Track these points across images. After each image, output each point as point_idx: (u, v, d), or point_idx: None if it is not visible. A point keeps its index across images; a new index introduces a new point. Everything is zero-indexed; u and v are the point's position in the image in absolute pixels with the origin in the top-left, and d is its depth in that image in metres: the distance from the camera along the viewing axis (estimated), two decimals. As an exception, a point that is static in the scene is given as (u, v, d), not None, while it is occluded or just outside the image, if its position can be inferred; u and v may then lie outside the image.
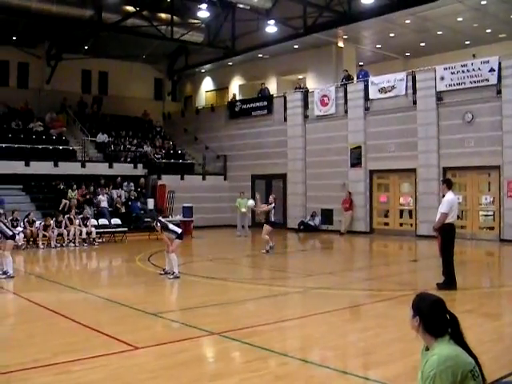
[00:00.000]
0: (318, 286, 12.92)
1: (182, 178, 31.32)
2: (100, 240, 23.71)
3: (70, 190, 26.03)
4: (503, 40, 29.17)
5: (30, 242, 22.12)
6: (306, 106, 29.55)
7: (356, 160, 27.12)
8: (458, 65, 23.70)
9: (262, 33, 30.12)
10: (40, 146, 28.56)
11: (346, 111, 27.73)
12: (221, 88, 39.01)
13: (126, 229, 24.86)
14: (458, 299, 11.11)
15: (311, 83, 32.26)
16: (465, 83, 23.34)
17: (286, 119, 30.42)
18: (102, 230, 24.11)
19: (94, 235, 23.08)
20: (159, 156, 32.45)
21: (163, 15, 30.68)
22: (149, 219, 21.76)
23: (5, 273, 14.21)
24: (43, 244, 21.86)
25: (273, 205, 19.96)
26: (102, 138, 31.49)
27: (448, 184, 12.45)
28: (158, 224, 14.58)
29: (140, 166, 30.79)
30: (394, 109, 25.77)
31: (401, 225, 26.71)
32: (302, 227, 28.56)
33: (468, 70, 23.23)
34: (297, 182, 29.63)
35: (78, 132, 31.94)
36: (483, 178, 23.97)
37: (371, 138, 26.69)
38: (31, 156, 27.54)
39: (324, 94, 28.51)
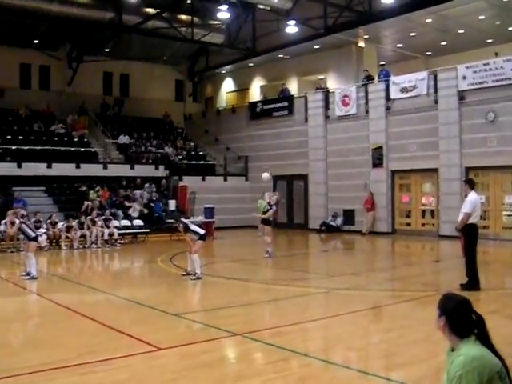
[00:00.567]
0: (340, 286, 12.86)
1: (203, 179, 31.40)
2: (122, 241, 23.81)
3: (91, 192, 26.19)
4: (526, 38, 28.89)
5: (53, 244, 22.29)
6: (326, 106, 29.46)
7: (377, 160, 26.98)
8: (480, 63, 23.48)
9: (282, 33, 30.06)
10: (62, 148, 28.79)
11: (367, 111, 27.60)
12: (241, 89, 39.04)
13: (147, 230, 24.95)
14: (481, 300, 11.00)
15: (332, 83, 32.15)
16: (487, 82, 23.11)
17: (306, 120, 30.35)
18: (124, 232, 24.22)
19: (115, 236, 23.21)
20: (180, 157, 32.56)
21: (183, 17, 30.78)
22: (172, 220, 21.80)
23: (28, 274, 14.34)
24: (66, 245, 22.01)
25: (274, 208, 19.59)
26: (123, 139, 31.66)
27: (470, 184, 12.34)
28: (181, 225, 14.61)
29: (161, 167, 30.90)
30: (415, 108, 25.60)
31: (423, 225, 26.52)
32: (323, 228, 28.46)
33: (490, 69, 23.00)
34: (318, 183, 29.55)
35: (100, 134, 32.17)
36: (506, 178, 23.69)
37: (393, 138, 26.53)
38: (53, 158, 27.77)
39: (345, 94, 28.42)
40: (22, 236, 17.55)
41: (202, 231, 14.50)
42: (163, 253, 19.95)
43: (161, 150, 32.28)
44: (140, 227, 25.14)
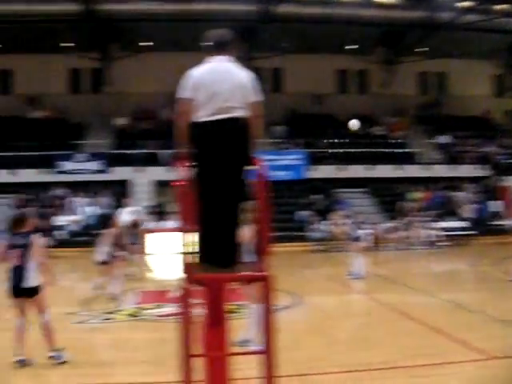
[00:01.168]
0: None
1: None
2: (445, 243, 23.13)
3: (411, 193, 26.02)
4: None
5: (375, 244, 22.58)
6: None
7: None
8: None
9: None
10: (381, 150, 29.11)
11: None
12: None
13: (473, 232, 23.92)
14: None
15: None
16: None
17: None
18: (448, 233, 23.53)
19: (438, 238, 22.66)
20: (504, 156, 30.54)
21: (498, 7, 28.93)
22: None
23: (352, 273, 14.64)
24: (388, 246, 22.14)
25: None
26: (442, 139, 30.93)
27: None
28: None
29: (483, 167, 29.36)
30: None
31: None
32: None
33: None
34: None
35: (418, 134, 31.80)
36: None
37: None
38: (373, 160, 28.23)
39: None
40: (347, 236, 18.01)
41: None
42: (489, 256, 18.91)
43: (483, 149, 30.67)
44: (464, 229, 24.18)
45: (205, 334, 4.47)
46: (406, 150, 30.03)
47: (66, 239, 23.44)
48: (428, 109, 34.54)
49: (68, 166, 26.60)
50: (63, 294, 12.93)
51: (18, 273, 7.10)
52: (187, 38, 26.82)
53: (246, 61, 27.78)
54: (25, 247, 7.17)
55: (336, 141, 29.67)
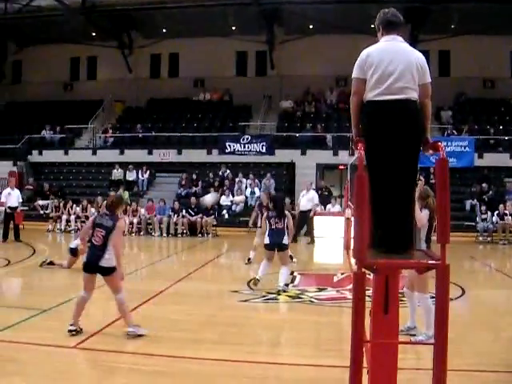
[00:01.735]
0: None
1: None
2: None
3: None
4: None
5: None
6: None
7: None
8: None
9: None
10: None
11: None
12: None
13: None
14: None
15: None
16: None
17: None
18: None
19: None
20: None
21: None
22: None
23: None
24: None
25: None
26: None
27: None
28: None
29: None
30: None
31: None
32: None
33: None
34: None
35: None
36: None
37: None
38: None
39: None
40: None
41: None
42: None
43: None
44: None
45: (375, 320, 4.39)
46: None
47: (230, 219, 24.19)
48: None
49: (234, 147, 27.33)
50: (228, 272, 13.38)
51: (97, 251, 7.38)
52: (353, 21, 26.61)
53: (412, 42, 27.04)
54: (108, 229, 7.41)
55: (511, 128, 28.09)
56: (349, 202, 14.96)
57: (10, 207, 19.44)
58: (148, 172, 27.26)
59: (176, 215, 22.83)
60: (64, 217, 23.56)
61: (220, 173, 26.29)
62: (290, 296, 10.32)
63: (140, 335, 7.36)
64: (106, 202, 8.38)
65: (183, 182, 26.13)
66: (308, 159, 26.80)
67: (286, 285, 10.98)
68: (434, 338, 4.02)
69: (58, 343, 7.01)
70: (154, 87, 32.16)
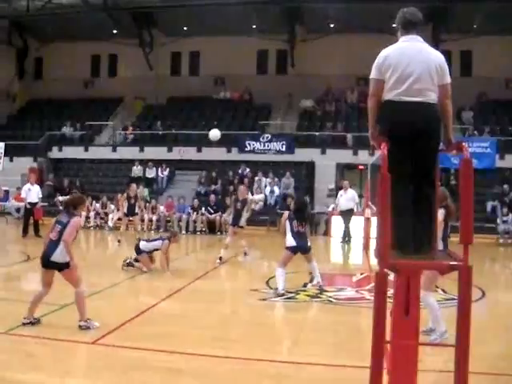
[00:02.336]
0: None
1: None
2: None
3: None
4: None
5: None
6: None
7: None
8: None
9: None
10: None
11: None
12: None
13: None
14: None
15: None
16: None
17: None
18: None
19: None
20: None
21: None
22: None
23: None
24: None
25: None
26: None
27: None
28: None
29: None
30: None
31: None
32: None
33: None
34: None
35: None
36: None
37: None
38: None
39: None
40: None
41: None
42: None
43: None
44: None
45: (395, 321, 4.36)
46: None
47: (249, 217, 24.12)
48: None
49: (253, 145, 27.34)
50: (247, 270, 13.39)
51: (51, 246, 7.53)
52: (374, 20, 26.49)
53: (433, 43, 26.86)
54: (63, 224, 7.56)
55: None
56: (369, 202, 14.90)
57: (29, 203, 19.62)
58: (167, 169, 27.32)
59: (195, 213, 22.89)
60: (83, 213, 23.69)
61: (239, 171, 26.29)
62: (308, 295, 10.29)
63: (88, 328, 7.41)
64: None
65: (202, 180, 26.18)
66: (328, 158, 26.72)
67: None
68: (456, 340, 3.98)
69: (76, 339, 7.08)
70: (174, 85, 32.20)
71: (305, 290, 10.62)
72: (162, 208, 23.48)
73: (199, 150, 28.00)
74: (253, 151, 27.32)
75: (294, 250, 10.59)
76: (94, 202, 23.97)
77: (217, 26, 29.38)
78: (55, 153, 29.82)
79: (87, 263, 12.21)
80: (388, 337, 4.31)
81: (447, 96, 4.45)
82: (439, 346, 6.35)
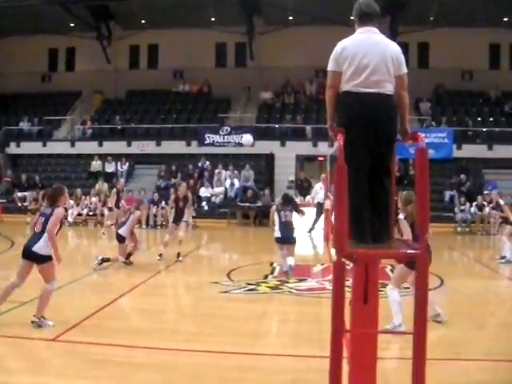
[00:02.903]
0: None
1: None
2: None
3: None
4: None
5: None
6: None
7: None
8: None
9: None
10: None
11: None
12: None
13: None
14: None
15: None
16: None
17: None
18: None
19: None
20: None
21: None
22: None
23: (503, 257, 13.97)
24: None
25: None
26: None
27: None
28: None
29: None
30: None
31: None
32: None
33: None
34: None
35: None
36: None
37: None
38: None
39: None
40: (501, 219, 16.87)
41: None
42: None
43: None
44: None
45: (354, 310, 4.40)
46: None
47: (209, 210, 24.15)
48: None
49: (213, 138, 27.28)
50: (207, 263, 13.40)
51: (35, 237, 7.56)
52: (332, 12, 26.61)
53: (391, 35, 27.10)
54: (47, 216, 7.67)
55: (489, 119, 28.33)
56: (328, 193, 15.00)
57: (-13, 200, 19.26)
58: (127, 164, 27.11)
59: (155, 207, 22.75)
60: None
61: (199, 164, 26.22)
62: (269, 287, 10.34)
63: (39, 326, 7.33)
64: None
65: (162, 174, 26.03)
66: (287, 150, 26.81)
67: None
68: (414, 327, 4.03)
69: (37, 336, 6.98)
70: (132, 79, 31.91)
71: (266, 282, 10.67)
72: (122, 202, 23.23)
73: (158, 144, 27.84)
74: (212, 144, 27.26)
75: (280, 241, 11.38)
76: (52, 197, 23.61)
77: (175, 19, 29.15)
78: (13, 148, 29.30)
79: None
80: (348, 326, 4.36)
81: (403, 87, 4.49)
82: (398, 334, 6.46)
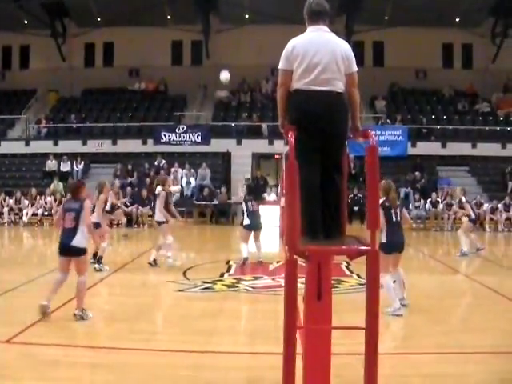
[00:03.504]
0: None
1: None
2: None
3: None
4: None
5: (477, 225, 21.93)
6: None
7: None
8: None
9: None
10: (487, 128, 28.04)
11: None
12: None
13: None
14: None
15: None
16: None
17: None
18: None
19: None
20: None
21: None
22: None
23: (464, 252, 14.46)
24: (490, 227, 21.51)
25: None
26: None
27: None
28: None
29: None
30: None
31: None
32: None
33: None
34: None
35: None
36: None
37: None
38: (478, 138, 27.26)
39: None
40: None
41: None
42: None
43: None
44: None
45: (308, 306, 4.44)
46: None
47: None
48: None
49: (169, 137, 27.16)
50: (163, 262, 13.30)
51: (69, 233, 7.80)
52: (289, 10, 26.69)
53: (346, 34, 27.39)
54: (77, 211, 7.87)
55: (443, 117, 28.84)
56: (284, 191, 15.07)
57: None
58: (82, 163, 26.78)
59: (112, 206, 22.52)
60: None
61: (155, 163, 26.05)
62: (225, 285, 10.36)
63: (82, 318, 7.58)
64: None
65: (118, 173, 25.77)
66: (244, 148, 26.87)
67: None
68: (366, 323, 4.07)
69: (-11, 339, 6.85)
70: (88, 77, 31.54)
71: (222, 280, 10.69)
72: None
73: (114, 143, 27.62)
74: (168, 142, 27.16)
75: (249, 228, 12.43)
76: (7, 197, 23.25)
77: (130, 17, 28.95)
78: (-34, 148, 28.70)
79: (1, 260, 11.86)
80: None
81: (354, 85, 4.54)
82: (351, 329, 6.53)
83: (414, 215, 22.31)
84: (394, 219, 8.53)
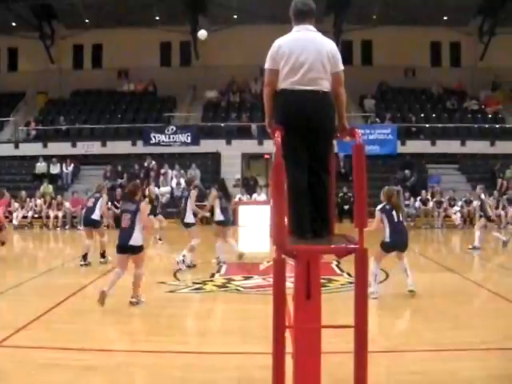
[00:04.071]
0: None
1: None
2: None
3: (509, 171, 25.09)
4: None
5: (467, 222, 22.02)
6: None
7: None
8: None
9: None
10: (475, 125, 28.17)
11: None
12: None
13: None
14: None
15: None
16: None
17: None
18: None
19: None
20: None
21: None
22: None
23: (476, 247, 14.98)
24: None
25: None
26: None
27: None
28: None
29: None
30: None
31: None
32: None
33: None
34: None
35: (515, 109, 30.47)
36: None
37: None
38: (466, 135, 27.37)
39: None
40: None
41: None
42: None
43: None
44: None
45: (297, 306, 4.45)
46: (502, 125, 28.82)
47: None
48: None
49: (158, 138, 27.14)
50: (154, 263, 13.31)
51: (127, 233, 8.48)
52: (278, 10, 26.69)
53: (335, 33, 27.45)
54: (133, 212, 8.53)
55: (432, 115, 28.94)
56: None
57: None
58: (72, 165, 26.71)
59: (102, 207, 22.45)
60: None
61: (145, 164, 26.02)
62: (216, 285, 10.36)
63: (137, 303, 8.54)
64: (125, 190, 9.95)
65: (108, 174, 25.74)
66: (233, 149, 26.90)
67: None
68: (355, 321, 4.09)
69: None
70: (77, 79, 31.48)
71: (212, 281, 10.69)
72: (67, 204, 22.93)
73: (104, 144, 27.57)
74: (158, 144, 27.16)
75: (222, 224, 12.66)
76: (-4, 200, 23.14)
77: (119, 18, 28.89)
78: (-46, 151, 28.55)
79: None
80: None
81: (340, 84, 4.55)
82: (341, 328, 6.54)
83: (404, 213, 22.36)
84: (397, 220, 9.02)
